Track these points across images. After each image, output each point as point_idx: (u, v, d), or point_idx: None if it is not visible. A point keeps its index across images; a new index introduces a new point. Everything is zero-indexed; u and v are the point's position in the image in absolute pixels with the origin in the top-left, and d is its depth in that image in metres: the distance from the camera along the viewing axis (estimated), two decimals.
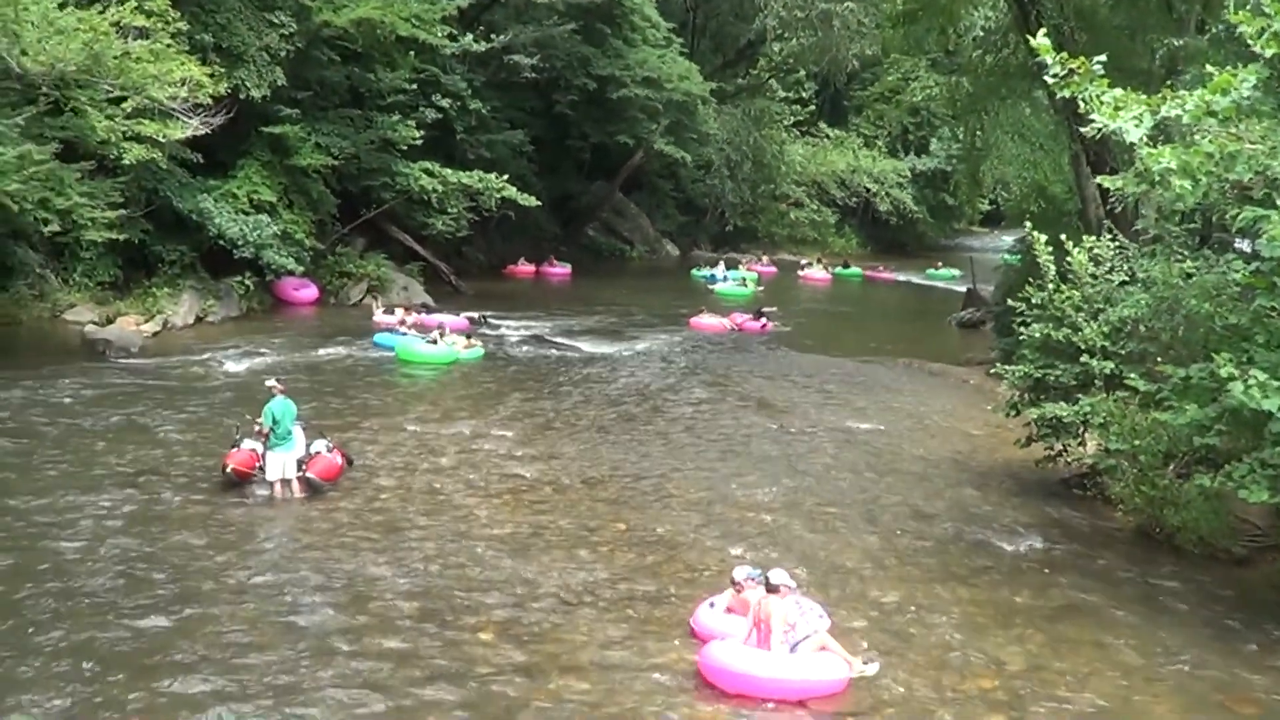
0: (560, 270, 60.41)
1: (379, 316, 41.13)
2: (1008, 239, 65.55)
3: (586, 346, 40.27)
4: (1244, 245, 23.94)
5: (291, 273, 41.22)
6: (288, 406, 21.63)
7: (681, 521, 21.36)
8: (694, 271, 66.57)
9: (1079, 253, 23.99)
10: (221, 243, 38.30)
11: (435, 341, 36.03)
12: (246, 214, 39.00)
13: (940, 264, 76.77)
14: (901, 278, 73.42)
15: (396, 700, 13.95)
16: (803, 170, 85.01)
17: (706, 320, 46.98)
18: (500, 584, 17.77)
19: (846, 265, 75.98)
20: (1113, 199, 26.77)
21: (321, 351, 35.05)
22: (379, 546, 19.08)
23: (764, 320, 47.85)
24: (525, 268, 59.50)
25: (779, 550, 19.72)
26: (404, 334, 36.87)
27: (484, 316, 42.47)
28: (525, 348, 39.25)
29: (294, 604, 16.64)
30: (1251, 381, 17.09)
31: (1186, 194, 16.99)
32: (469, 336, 37.64)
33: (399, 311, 40.79)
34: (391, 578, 17.78)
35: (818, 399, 33.28)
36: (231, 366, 32.21)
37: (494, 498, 22.03)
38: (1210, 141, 16.95)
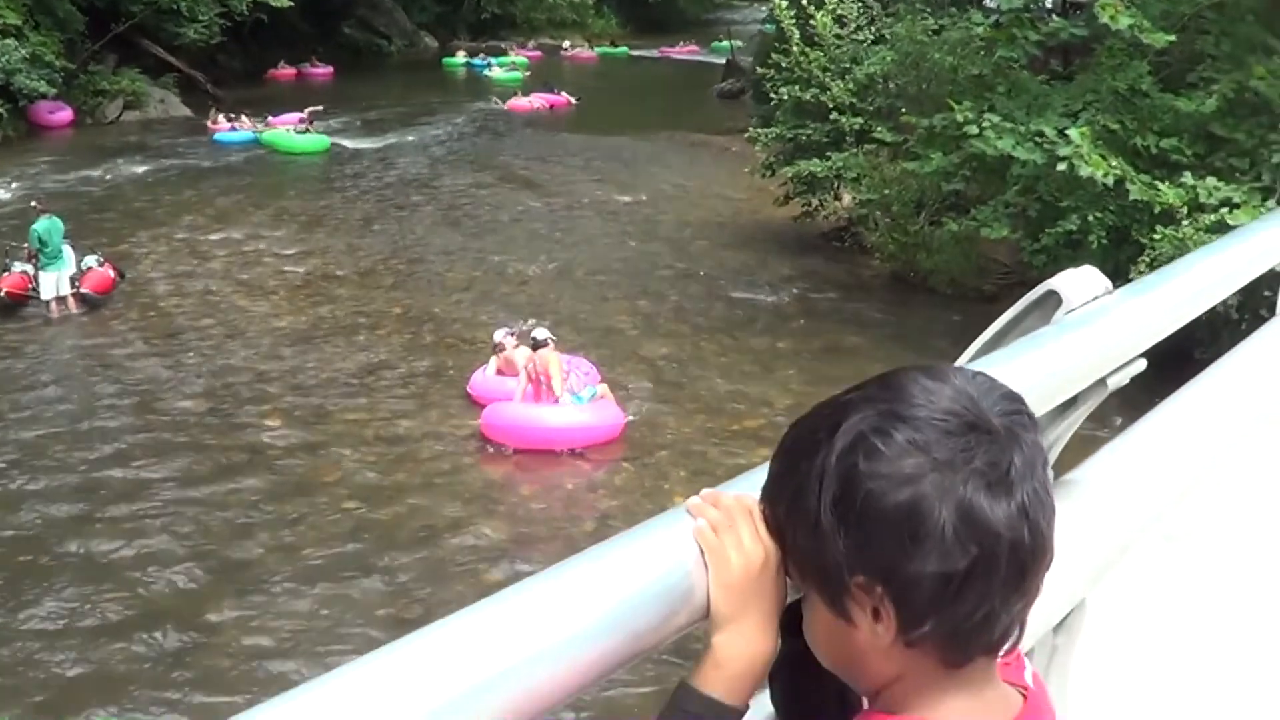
0: (322, 70, 59.49)
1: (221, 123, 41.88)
2: (765, 9, 65.71)
3: (352, 143, 39.89)
4: (991, 3, 24.69)
5: (45, 96, 39.90)
6: (54, 225, 21.47)
7: (455, 300, 21.87)
8: (446, 60, 66.43)
9: (822, 15, 24.61)
10: None
11: (306, 130, 38.41)
12: None
13: (722, 36, 76.95)
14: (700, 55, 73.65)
15: (191, 492, 14.28)
16: None
17: (520, 102, 49.19)
18: (282, 374, 18.12)
19: (614, 44, 76.25)
20: None
21: (83, 171, 34.19)
22: (159, 351, 19.22)
23: (562, 95, 51.40)
24: (286, 70, 58.53)
25: (550, 318, 20.27)
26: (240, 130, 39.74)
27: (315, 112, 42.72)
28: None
29: (82, 414, 16.72)
30: (986, 125, 18.00)
31: None
32: (310, 123, 39.27)
33: (244, 118, 41.56)
34: (174, 379, 17.98)
35: (583, 175, 33.83)
36: None
37: (270, 294, 22.23)
38: None
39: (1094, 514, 2.53)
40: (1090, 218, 17.33)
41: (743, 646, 1.49)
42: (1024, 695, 1.50)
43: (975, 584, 1.34)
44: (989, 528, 1.34)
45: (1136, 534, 2.73)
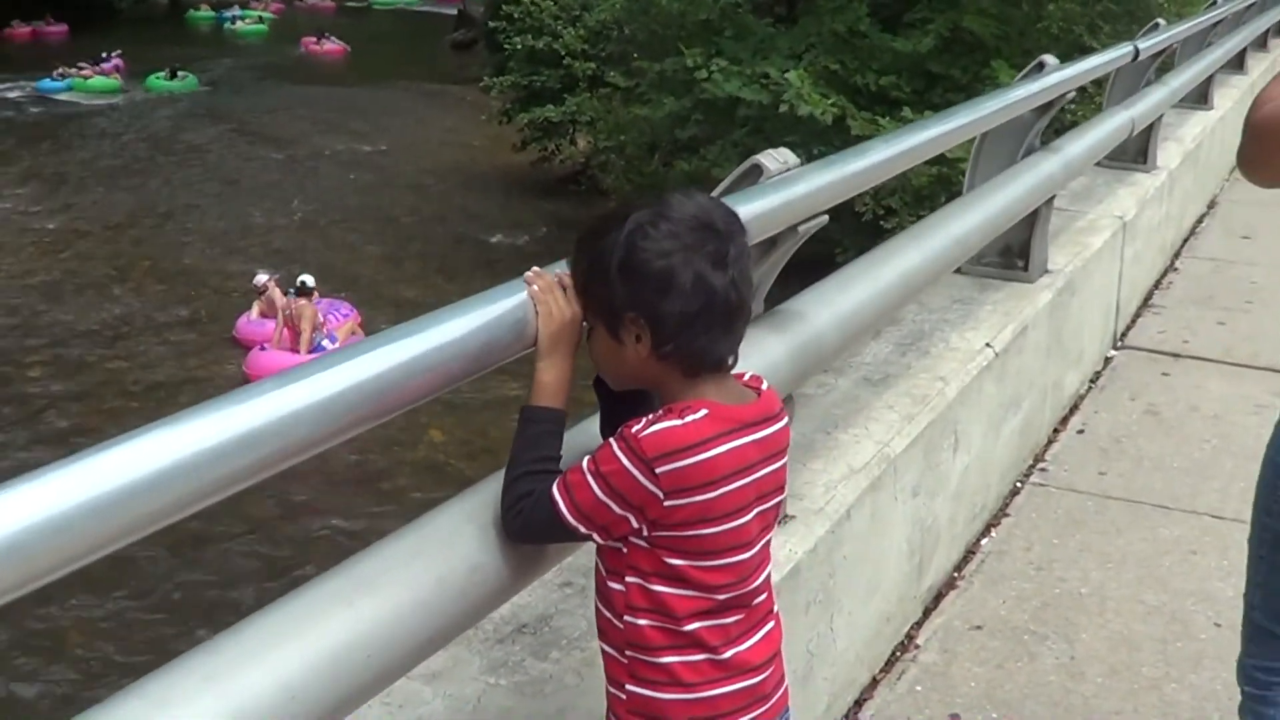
0: (57, 29, 57.97)
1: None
2: None
3: (88, 100, 39.29)
4: None
5: None
6: None
7: (205, 252, 22.07)
8: (191, 13, 65.46)
9: None
10: None
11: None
12: None
13: None
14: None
15: None
16: None
17: (333, 45, 53.12)
18: (40, 327, 18.23)
19: None
20: None
21: None
22: None
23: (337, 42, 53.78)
24: (22, 29, 57.08)
25: (299, 267, 20.59)
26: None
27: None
28: (32, 108, 38.18)
29: None
30: (715, 68, 18.86)
31: None
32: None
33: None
34: None
35: (322, 127, 33.86)
36: None
37: (20, 250, 22.13)
38: None
39: (798, 333, 3.31)
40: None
41: (557, 368, 2.29)
42: (758, 394, 2.27)
43: (700, 322, 2.12)
44: (712, 288, 2.11)
45: (829, 351, 3.57)
